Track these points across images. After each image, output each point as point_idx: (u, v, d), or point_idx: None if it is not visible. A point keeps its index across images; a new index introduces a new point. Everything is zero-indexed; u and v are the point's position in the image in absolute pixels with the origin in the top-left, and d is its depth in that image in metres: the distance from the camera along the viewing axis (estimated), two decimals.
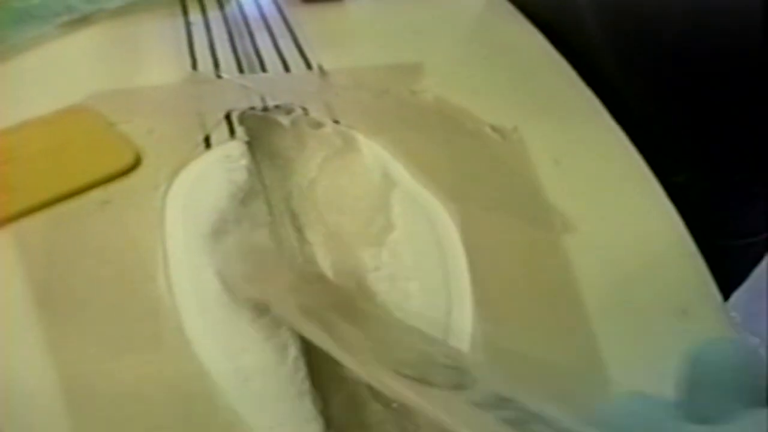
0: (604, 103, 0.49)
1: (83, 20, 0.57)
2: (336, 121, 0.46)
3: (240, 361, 0.32)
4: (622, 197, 0.43)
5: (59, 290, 0.35)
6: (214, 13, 0.60)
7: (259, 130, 0.46)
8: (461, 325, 0.34)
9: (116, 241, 0.38)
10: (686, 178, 0.52)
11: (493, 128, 0.47)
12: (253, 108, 0.47)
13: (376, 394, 0.33)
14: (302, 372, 0.32)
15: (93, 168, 0.41)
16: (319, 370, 0.33)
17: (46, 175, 0.41)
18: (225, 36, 0.57)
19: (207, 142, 0.44)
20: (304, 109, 0.47)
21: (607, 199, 0.43)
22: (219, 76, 0.52)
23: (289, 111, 0.47)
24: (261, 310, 0.34)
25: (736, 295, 0.64)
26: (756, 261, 0.65)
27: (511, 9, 0.59)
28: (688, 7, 0.48)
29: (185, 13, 0.60)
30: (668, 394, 0.33)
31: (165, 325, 0.34)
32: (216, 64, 0.53)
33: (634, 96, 0.53)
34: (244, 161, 0.43)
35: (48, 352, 0.33)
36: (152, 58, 0.54)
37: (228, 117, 0.46)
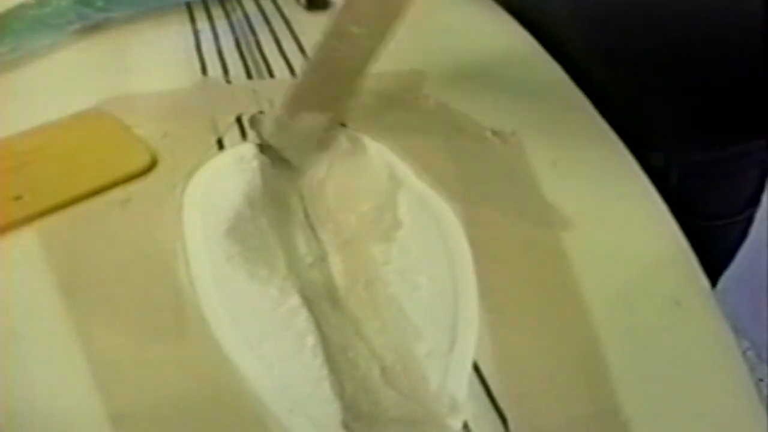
0: (589, 98, 0.52)
1: (95, 28, 0.59)
2: (343, 125, 0.48)
3: (261, 350, 0.34)
4: (616, 196, 0.46)
5: (85, 283, 0.37)
6: (220, 21, 0.62)
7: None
8: (468, 314, 0.36)
9: (137, 238, 0.40)
10: (660, 158, 0.54)
11: (493, 132, 0.49)
12: (262, 112, 0.49)
13: (388, 380, 0.35)
14: (320, 359, 0.34)
15: (112, 168, 0.43)
16: (335, 357, 0.35)
17: (67, 175, 0.43)
18: (232, 43, 0.59)
19: (220, 145, 0.46)
20: None
21: (602, 198, 0.45)
22: (228, 81, 0.54)
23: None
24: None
25: (724, 281, 0.65)
26: (738, 241, 0.67)
27: (507, 17, 0.62)
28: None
29: (192, 21, 0.62)
30: (663, 380, 0.36)
31: (188, 316, 0.36)
32: (225, 70, 0.55)
33: (616, 87, 0.55)
34: (256, 163, 0.45)
35: (77, 342, 0.35)
36: (163, 64, 0.56)
37: (239, 120, 0.48)
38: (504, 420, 0.33)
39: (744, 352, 1.12)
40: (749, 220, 0.65)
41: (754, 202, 0.64)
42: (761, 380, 1.11)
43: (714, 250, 0.61)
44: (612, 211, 0.45)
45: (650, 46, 0.53)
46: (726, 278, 0.67)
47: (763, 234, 0.77)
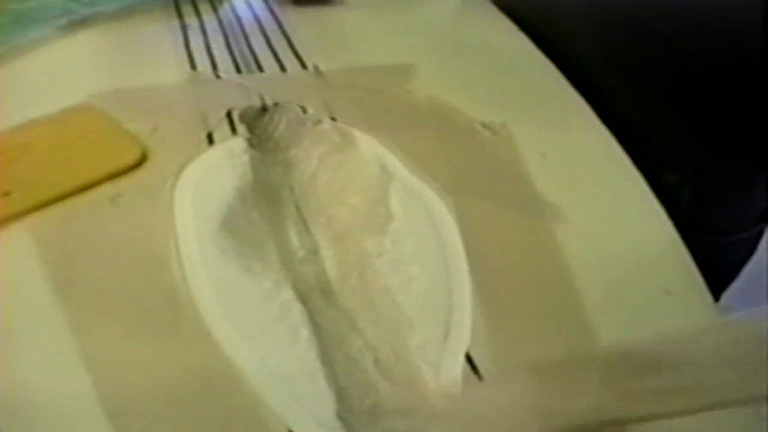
0: (588, 100, 0.52)
1: (81, 23, 0.58)
2: (333, 119, 0.48)
3: (255, 343, 0.34)
4: (605, 187, 0.46)
5: (77, 279, 0.37)
6: (208, 16, 0.62)
7: (259, 127, 0.48)
8: (462, 304, 0.37)
9: (129, 233, 0.39)
10: (673, 176, 0.54)
11: (483, 125, 0.49)
12: (252, 106, 0.49)
13: (383, 371, 0.35)
14: (314, 351, 0.34)
15: (101, 163, 0.43)
16: (329, 349, 0.35)
17: (57, 171, 0.42)
18: (220, 38, 0.59)
19: (210, 139, 0.46)
20: (302, 107, 0.49)
21: (592, 189, 0.46)
22: (218, 76, 0.53)
23: (287, 109, 0.49)
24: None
25: (728, 293, 0.65)
26: (747, 256, 0.66)
27: (496, 12, 0.62)
28: (674, 4, 0.51)
29: (180, 16, 0.61)
30: None
31: (182, 311, 0.36)
32: (214, 65, 0.55)
33: (619, 94, 0.55)
34: (246, 157, 0.45)
35: (70, 339, 0.34)
36: (151, 59, 0.56)
37: (229, 115, 0.48)
38: None
39: None
40: (759, 236, 0.65)
41: (765, 217, 0.63)
42: None
43: (723, 265, 0.61)
44: (602, 202, 0.45)
45: (658, 56, 0.53)
46: (730, 292, 0.66)
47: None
